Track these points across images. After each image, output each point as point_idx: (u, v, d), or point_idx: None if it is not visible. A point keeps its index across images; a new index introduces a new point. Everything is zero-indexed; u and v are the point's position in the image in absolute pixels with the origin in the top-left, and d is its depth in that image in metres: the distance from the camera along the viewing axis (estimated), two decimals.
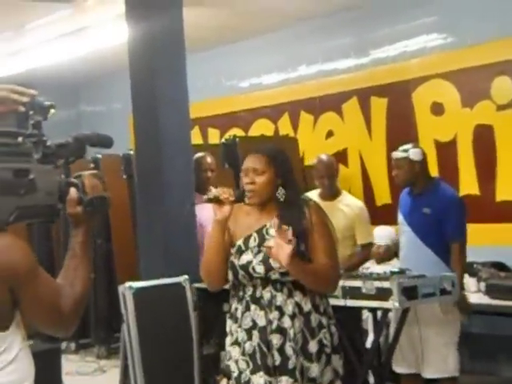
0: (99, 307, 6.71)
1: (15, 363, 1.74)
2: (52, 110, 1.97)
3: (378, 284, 3.63)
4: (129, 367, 4.24)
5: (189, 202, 4.85)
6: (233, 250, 2.84)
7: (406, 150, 4.31)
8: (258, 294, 2.79)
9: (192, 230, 4.87)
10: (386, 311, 3.86)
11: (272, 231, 2.78)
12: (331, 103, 6.82)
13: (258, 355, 2.75)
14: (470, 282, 4.98)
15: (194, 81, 5.47)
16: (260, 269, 2.77)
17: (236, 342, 2.82)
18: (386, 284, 3.61)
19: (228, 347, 2.87)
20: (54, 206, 1.83)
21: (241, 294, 2.84)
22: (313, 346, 2.77)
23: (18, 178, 1.73)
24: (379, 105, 6.45)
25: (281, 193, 2.82)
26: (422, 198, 4.25)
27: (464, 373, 4.65)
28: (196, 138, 7.41)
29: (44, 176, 1.79)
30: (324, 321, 2.81)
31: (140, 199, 5.13)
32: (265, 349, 2.75)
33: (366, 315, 4.45)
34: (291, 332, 2.74)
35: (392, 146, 6.37)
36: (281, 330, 2.75)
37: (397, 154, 4.37)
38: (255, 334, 2.77)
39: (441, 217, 4.18)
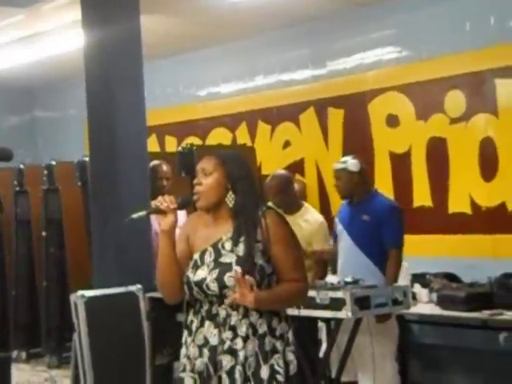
0: (51, 316, 6.61)
1: None
2: None
3: (331, 294, 3.66)
4: (80, 377, 4.18)
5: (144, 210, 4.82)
6: (190, 263, 2.70)
7: (344, 162, 4.47)
8: (213, 310, 2.66)
9: (147, 238, 4.83)
10: (338, 321, 3.89)
11: (227, 245, 2.67)
12: (288, 113, 6.86)
13: (204, 375, 2.63)
14: (422, 292, 5.05)
15: (151, 88, 5.44)
16: (214, 286, 2.63)
17: (189, 357, 2.69)
18: (339, 294, 3.63)
19: (182, 359, 2.74)
20: None
21: (197, 307, 2.70)
22: (264, 372, 2.60)
23: None
24: (336, 116, 6.51)
25: (230, 198, 2.67)
26: (360, 207, 4.43)
27: (415, 383, 4.71)
28: (153, 145, 7.37)
29: None
30: (279, 346, 2.64)
31: (94, 207, 5.07)
32: (211, 370, 2.61)
33: (320, 325, 4.47)
34: (241, 354, 2.59)
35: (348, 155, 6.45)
36: (232, 352, 2.60)
37: (336, 166, 4.55)
38: (205, 352, 2.64)
39: (379, 223, 4.34)
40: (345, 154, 6.41)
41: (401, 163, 6.05)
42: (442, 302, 4.78)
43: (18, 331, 6.86)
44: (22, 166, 6.82)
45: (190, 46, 7.28)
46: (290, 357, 2.65)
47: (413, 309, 4.48)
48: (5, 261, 6.79)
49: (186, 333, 2.73)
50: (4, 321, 6.90)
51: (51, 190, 6.67)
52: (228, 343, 2.61)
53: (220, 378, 2.60)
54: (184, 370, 2.70)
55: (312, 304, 3.68)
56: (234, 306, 2.63)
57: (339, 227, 4.54)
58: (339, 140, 6.50)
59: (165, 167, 5.12)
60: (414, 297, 4.86)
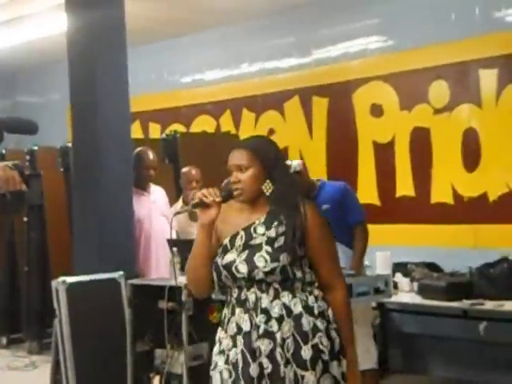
0: (32, 301, 6.58)
1: None
2: None
3: None
4: (60, 363, 4.17)
5: (126, 196, 4.80)
6: (219, 250, 2.64)
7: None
8: (242, 296, 2.58)
9: (129, 225, 4.81)
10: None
11: (260, 229, 2.61)
12: (273, 101, 6.85)
13: (240, 364, 2.54)
14: (403, 281, 5.08)
15: (135, 74, 5.40)
16: (243, 268, 2.56)
17: (222, 351, 2.60)
18: None
19: (214, 356, 2.64)
20: None
21: (228, 298, 2.64)
22: (306, 352, 2.51)
23: None
24: (320, 104, 6.51)
25: (267, 186, 2.63)
26: (317, 200, 4.42)
27: (396, 372, 4.75)
28: (136, 132, 7.33)
29: None
30: (320, 324, 2.55)
31: (76, 193, 5.04)
32: (249, 357, 2.53)
33: None
34: (278, 336, 2.52)
35: (332, 145, 6.46)
36: (268, 335, 2.52)
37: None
38: (239, 340, 2.56)
39: (338, 207, 4.43)
40: (329, 143, 6.45)
41: (384, 153, 6.07)
42: (423, 291, 4.81)
43: None
44: (3, 151, 6.76)
45: (174, 31, 7.24)
46: (334, 334, 2.58)
47: (394, 298, 4.50)
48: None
49: (219, 329, 2.66)
50: None
51: (33, 175, 6.61)
52: (263, 327, 2.54)
53: (261, 365, 2.52)
54: (215, 367, 2.61)
55: None
56: (264, 288, 2.57)
57: None
58: (323, 129, 6.51)
59: (151, 155, 5.05)
60: (396, 286, 4.89)
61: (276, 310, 2.53)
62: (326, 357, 2.53)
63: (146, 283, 4.22)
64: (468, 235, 5.54)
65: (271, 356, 2.51)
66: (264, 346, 2.51)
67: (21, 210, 1.51)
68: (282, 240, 2.56)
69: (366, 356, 4.23)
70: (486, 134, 5.51)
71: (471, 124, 5.57)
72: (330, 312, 2.59)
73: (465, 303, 4.63)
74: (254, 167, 2.64)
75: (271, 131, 6.91)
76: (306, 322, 2.54)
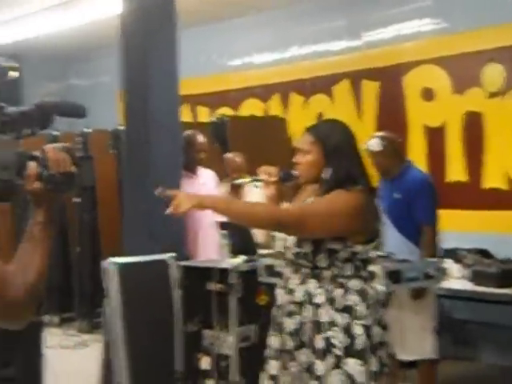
0: (83, 282, 6.70)
1: None
2: (12, 73, 1.73)
3: None
4: (111, 343, 4.24)
5: (176, 179, 4.83)
6: None
7: (365, 143, 4.33)
8: (282, 270, 2.71)
9: None
10: None
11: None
12: (322, 85, 6.80)
13: (277, 332, 2.66)
14: (454, 267, 5.00)
15: (184, 57, 5.41)
16: (280, 243, 2.67)
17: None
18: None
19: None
20: (11, 181, 1.58)
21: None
22: (319, 342, 2.54)
23: None
24: (370, 88, 6.44)
25: (326, 172, 2.63)
26: (393, 183, 4.29)
27: (446, 358, 4.69)
28: (185, 115, 7.37)
29: None
30: (339, 319, 2.53)
31: (126, 175, 5.10)
32: (276, 329, 2.66)
33: None
34: (297, 319, 2.58)
35: (382, 129, 6.38)
36: (290, 315, 2.60)
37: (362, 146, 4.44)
38: (276, 311, 2.68)
39: (411, 200, 4.22)
40: (378, 127, 6.38)
41: (435, 137, 5.98)
42: (475, 277, 4.74)
43: (51, 296, 6.97)
44: (56, 133, 6.86)
45: (224, 14, 7.24)
46: (358, 330, 2.53)
47: (444, 284, 4.45)
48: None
49: None
50: None
51: (85, 157, 6.71)
52: (287, 306, 2.61)
53: (285, 339, 2.60)
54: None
55: None
56: (295, 270, 2.61)
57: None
58: (373, 113, 6.44)
59: (201, 138, 5.07)
60: (445, 272, 4.83)
61: (299, 295, 2.59)
62: (339, 352, 2.51)
63: (195, 265, 4.26)
64: None
65: (291, 334, 2.59)
66: (286, 323, 2.60)
67: (70, 191, 1.54)
68: None
69: (419, 348, 4.18)
70: None
71: None
72: (359, 307, 2.54)
73: None
74: (313, 152, 2.65)
75: (320, 115, 6.87)
76: (325, 312, 2.54)
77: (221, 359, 4.00)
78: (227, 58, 7.76)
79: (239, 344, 3.90)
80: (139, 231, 4.88)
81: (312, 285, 2.57)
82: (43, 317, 6.55)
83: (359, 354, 2.51)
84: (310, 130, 2.72)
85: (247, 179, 2.92)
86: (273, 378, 2.64)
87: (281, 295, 2.65)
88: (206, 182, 5.07)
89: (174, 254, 4.35)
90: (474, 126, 5.73)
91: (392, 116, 6.28)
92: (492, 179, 5.62)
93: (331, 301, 2.55)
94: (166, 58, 4.92)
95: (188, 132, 5.10)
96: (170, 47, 4.94)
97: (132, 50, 4.94)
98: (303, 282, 2.59)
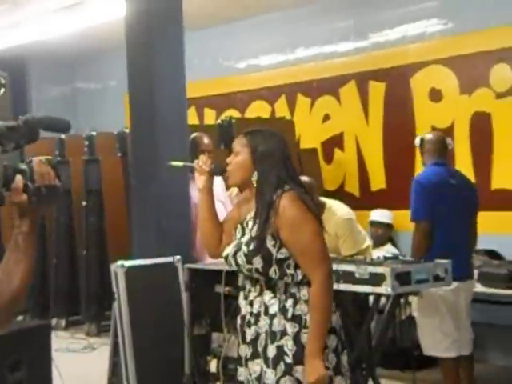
0: (90, 284, 6.70)
1: None
2: (2, 89, 1.79)
3: (371, 269, 3.62)
4: (119, 345, 4.23)
5: (183, 182, 4.83)
6: None
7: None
8: (242, 283, 2.75)
9: (186, 209, 4.84)
10: (378, 296, 3.86)
11: (250, 224, 2.68)
12: (329, 86, 6.78)
13: (240, 343, 2.75)
14: None
15: (190, 60, 5.40)
16: (233, 263, 2.70)
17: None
18: (379, 269, 3.60)
19: None
20: None
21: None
22: (271, 351, 2.61)
23: None
24: (377, 89, 6.42)
25: (254, 178, 2.67)
26: None
27: None
28: (192, 118, 7.36)
29: None
30: (289, 328, 2.59)
31: (134, 178, 5.09)
32: (240, 338, 2.73)
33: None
34: (253, 330, 2.66)
35: (389, 131, 6.37)
36: (249, 325, 2.69)
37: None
38: (238, 320, 2.76)
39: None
40: (385, 128, 6.36)
41: None
42: (483, 278, 4.72)
43: (58, 299, 6.98)
44: (63, 137, 6.87)
45: (229, 16, 7.23)
46: (306, 339, 2.58)
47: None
48: (46, 230, 6.91)
49: None
50: (44, 289, 7.04)
51: (92, 160, 6.73)
52: (248, 317, 2.69)
53: (246, 348, 2.69)
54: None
55: (351, 279, 3.65)
56: (253, 283, 2.68)
57: None
58: (380, 114, 6.42)
59: (206, 140, 5.07)
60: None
61: (256, 306, 2.66)
62: (289, 360, 2.57)
63: (203, 267, 4.24)
64: None
65: (250, 344, 2.67)
66: (247, 333, 2.68)
67: (54, 203, 1.64)
68: (256, 243, 2.61)
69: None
70: None
71: None
72: (308, 317, 2.59)
73: None
74: (243, 154, 2.71)
75: (326, 117, 6.86)
76: (277, 323, 2.61)
77: (229, 362, 3.98)
78: (233, 61, 7.76)
79: None
80: (147, 234, 4.87)
81: (267, 296, 2.65)
82: (50, 320, 6.57)
83: (303, 361, 2.58)
84: (245, 133, 2.77)
85: (181, 163, 3.08)
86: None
87: (243, 306, 2.72)
88: (214, 185, 5.05)
89: (180, 257, 4.34)
90: (482, 127, 5.70)
91: (399, 117, 6.25)
92: (501, 180, 5.59)
93: (283, 310, 2.62)
94: (171, 61, 4.92)
95: (194, 134, 5.10)
96: (176, 49, 4.93)
97: (137, 53, 4.94)
98: (260, 294, 2.66)
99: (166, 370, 4.19)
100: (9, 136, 1.69)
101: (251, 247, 2.61)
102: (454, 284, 4.01)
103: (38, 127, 1.74)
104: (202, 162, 2.81)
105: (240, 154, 2.70)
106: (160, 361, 4.19)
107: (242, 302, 2.73)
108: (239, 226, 2.73)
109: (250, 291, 2.69)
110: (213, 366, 4.13)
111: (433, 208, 4.27)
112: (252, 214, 2.67)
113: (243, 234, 2.69)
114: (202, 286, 4.10)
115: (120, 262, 4.23)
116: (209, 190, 2.82)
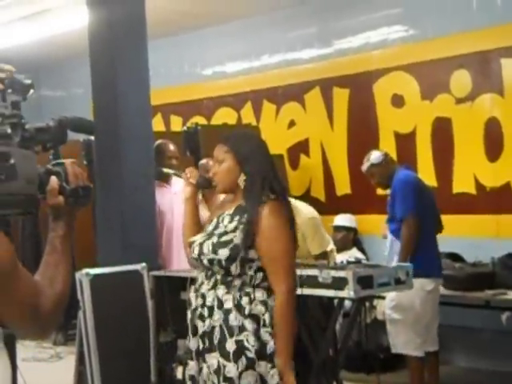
0: None
1: None
2: (31, 90, 1.81)
3: (334, 273, 3.67)
4: (85, 354, 4.22)
5: (148, 189, 4.84)
6: None
7: (368, 159, 4.58)
8: (196, 275, 2.82)
9: (151, 217, 4.86)
10: (341, 300, 3.91)
11: (225, 220, 2.75)
12: (294, 93, 6.84)
13: (190, 336, 2.78)
14: None
15: (156, 67, 5.42)
16: (196, 250, 2.76)
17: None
18: (341, 273, 3.65)
19: None
20: (34, 195, 1.63)
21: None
22: (230, 345, 2.63)
23: None
24: (341, 95, 6.49)
25: (241, 180, 2.75)
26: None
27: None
28: (158, 125, 7.37)
29: (24, 162, 1.59)
30: (247, 325, 2.63)
31: (98, 186, 5.09)
32: (191, 332, 2.76)
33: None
34: (207, 323, 2.69)
35: (353, 136, 6.44)
36: (202, 318, 2.71)
37: (363, 168, 4.69)
38: (188, 313, 2.80)
39: (393, 200, 4.49)
40: (350, 134, 6.43)
41: (406, 143, 6.04)
42: (445, 281, 4.80)
43: None
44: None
45: (194, 24, 7.25)
46: (266, 337, 2.64)
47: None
48: (11, 237, 6.85)
49: None
50: None
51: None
52: (199, 310, 2.72)
53: (198, 341, 2.72)
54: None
55: (314, 283, 3.70)
56: (208, 275, 2.71)
57: None
58: (344, 120, 6.49)
59: (171, 146, 5.09)
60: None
61: (210, 300, 2.69)
62: (251, 354, 2.61)
63: (168, 275, 4.26)
64: (490, 225, 5.50)
65: (202, 337, 2.70)
66: (199, 326, 2.71)
67: (87, 204, 1.62)
68: (231, 236, 2.67)
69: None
70: (508, 123, 5.46)
71: (493, 113, 5.53)
72: (266, 316, 2.65)
73: (487, 293, 4.62)
74: (227, 161, 2.76)
75: (292, 123, 6.91)
76: (234, 317, 2.65)
77: None
78: (199, 68, 7.78)
79: None
80: (112, 242, 4.87)
81: (221, 291, 2.68)
82: None
83: (270, 358, 2.63)
84: (223, 140, 2.82)
85: (171, 170, 3.27)
86: (191, 378, 2.76)
87: (194, 299, 2.75)
88: (178, 190, 5.07)
89: (145, 264, 4.35)
90: (443, 132, 5.80)
91: (363, 123, 6.33)
92: (461, 184, 5.69)
93: (238, 307, 2.66)
94: (135, 69, 4.93)
95: (158, 141, 5.12)
96: (140, 58, 4.95)
97: (101, 62, 4.95)
98: (213, 288, 2.70)
99: (132, 379, 4.19)
100: (38, 138, 1.70)
101: (223, 239, 2.67)
102: (438, 280, 4.20)
103: (68, 128, 1.77)
104: (188, 174, 2.90)
105: (224, 160, 2.76)
106: (126, 369, 4.19)
107: (192, 294, 2.77)
108: (215, 219, 2.81)
109: (202, 284, 2.73)
110: (179, 372, 4.15)
111: (418, 204, 4.40)
112: (231, 211, 2.74)
113: (216, 228, 2.76)
114: (168, 294, 4.12)
115: (85, 270, 4.22)
116: (193, 201, 2.93)
